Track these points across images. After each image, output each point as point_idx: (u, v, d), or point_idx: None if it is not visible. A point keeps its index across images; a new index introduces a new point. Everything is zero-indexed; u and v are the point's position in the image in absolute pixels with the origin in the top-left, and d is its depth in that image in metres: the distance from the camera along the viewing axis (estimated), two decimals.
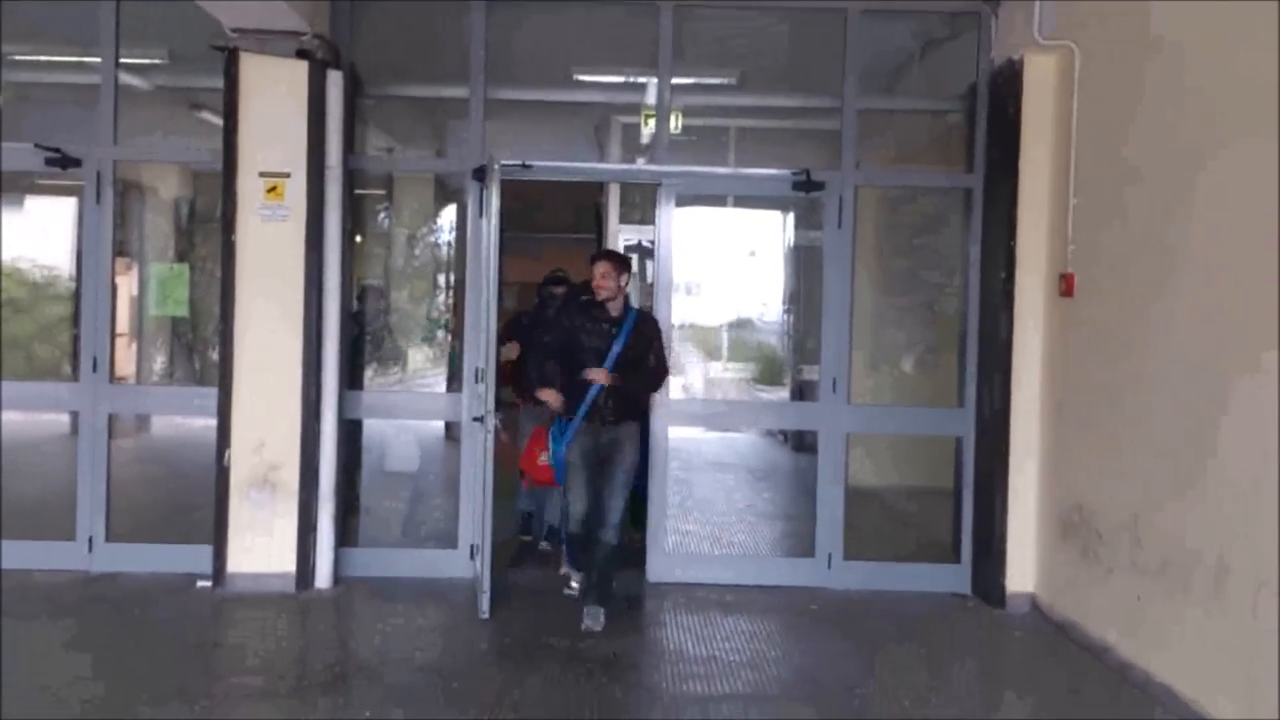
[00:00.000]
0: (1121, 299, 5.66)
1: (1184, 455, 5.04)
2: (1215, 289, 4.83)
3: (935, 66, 7.38)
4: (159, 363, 8.14)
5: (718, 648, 5.89)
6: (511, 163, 6.78)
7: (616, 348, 6.13)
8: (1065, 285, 6.26)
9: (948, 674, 5.59)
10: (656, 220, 7.15)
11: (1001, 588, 6.72)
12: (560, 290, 7.68)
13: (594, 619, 6.10)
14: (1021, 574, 6.69)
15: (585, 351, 6.15)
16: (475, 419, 6.57)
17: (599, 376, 6.08)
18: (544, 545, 7.77)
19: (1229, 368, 4.70)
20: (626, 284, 6.29)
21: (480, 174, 6.86)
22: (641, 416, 6.50)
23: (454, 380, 7.50)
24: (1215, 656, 4.74)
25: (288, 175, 6.62)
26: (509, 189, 6.57)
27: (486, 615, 6.21)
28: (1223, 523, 4.73)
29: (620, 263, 6.28)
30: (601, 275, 6.18)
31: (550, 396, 6.19)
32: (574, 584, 6.72)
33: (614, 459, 6.20)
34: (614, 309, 6.24)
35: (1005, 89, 6.75)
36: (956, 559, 7.10)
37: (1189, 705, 4.88)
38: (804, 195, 7.03)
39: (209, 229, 7.32)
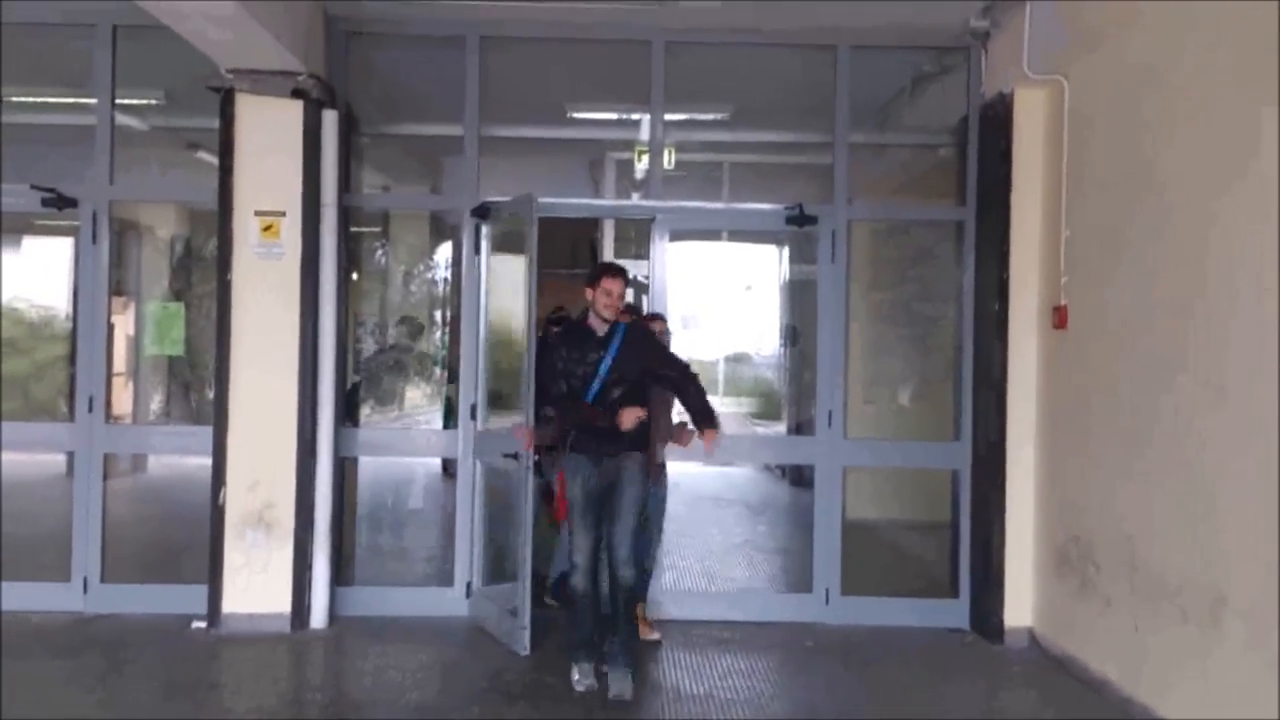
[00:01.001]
0: (1115, 331, 5.67)
1: (1180, 486, 5.03)
2: (1208, 319, 4.84)
3: (926, 101, 7.42)
4: (156, 402, 8.15)
5: (715, 685, 5.86)
6: (505, 199, 6.81)
7: (603, 368, 5.67)
8: (1058, 317, 6.27)
9: (946, 710, 5.55)
10: (651, 255, 7.18)
11: (1000, 622, 6.68)
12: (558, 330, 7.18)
13: (622, 685, 5.60)
14: (1020, 608, 6.67)
15: (573, 380, 5.73)
16: (507, 455, 6.55)
17: (628, 420, 5.59)
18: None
19: (1223, 398, 4.70)
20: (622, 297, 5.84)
21: (480, 212, 6.89)
22: (644, 447, 5.89)
23: (450, 417, 7.49)
24: (1214, 689, 4.72)
25: (283, 214, 6.65)
26: (502, 226, 6.59)
27: (527, 651, 6.20)
28: (1219, 553, 4.72)
29: (626, 276, 5.83)
30: (618, 295, 5.71)
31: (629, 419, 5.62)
32: (577, 677, 5.77)
33: (620, 491, 5.69)
34: (599, 328, 5.77)
35: (995, 123, 6.79)
36: (954, 594, 7.07)
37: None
38: (797, 229, 7.05)
39: (205, 268, 7.34)
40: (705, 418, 5.77)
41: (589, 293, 5.73)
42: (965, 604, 7.02)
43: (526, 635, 6.21)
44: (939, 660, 6.39)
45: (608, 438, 5.67)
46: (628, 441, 5.72)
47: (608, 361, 5.67)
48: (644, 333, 5.98)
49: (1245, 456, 4.53)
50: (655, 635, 6.58)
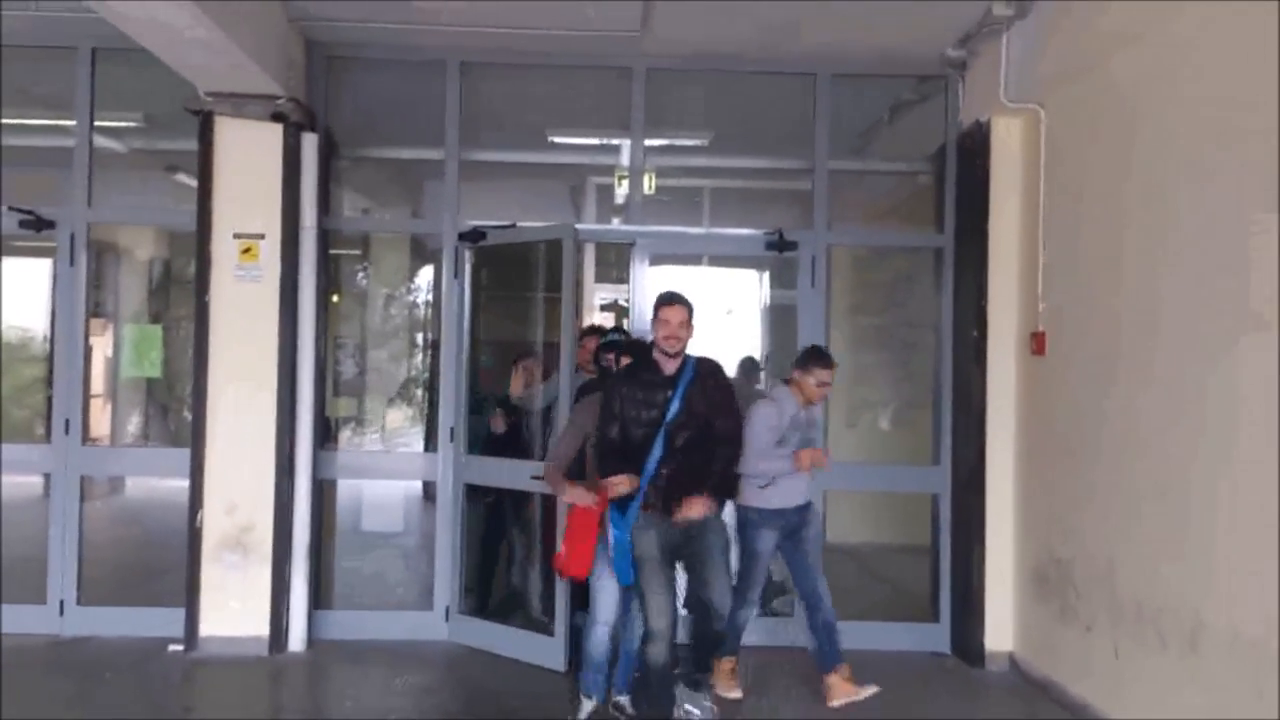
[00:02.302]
0: (1093, 356, 5.71)
1: (1158, 510, 5.05)
2: (1186, 345, 4.88)
3: (905, 128, 7.47)
4: (133, 423, 8.11)
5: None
6: (498, 224, 6.83)
7: (672, 411, 5.07)
8: (1036, 344, 6.30)
9: None
10: (631, 279, 7.20)
11: (980, 646, 6.69)
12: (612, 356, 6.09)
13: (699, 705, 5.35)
14: (1000, 632, 6.67)
15: (637, 425, 5.09)
16: (535, 478, 6.35)
17: (618, 486, 5.01)
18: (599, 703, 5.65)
19: (1199, 422, 4.74)
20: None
21: (470, 236, 6.90)
22: (724, 495, 5.38)
23: (430, 440, 7.47)
24: (1193, 712, 4.73)
25: (262, 236, 6.64)
26: (484, 249, 6.59)
27: (563, 668, 6.22)
28: (1198, 577, 4.74)
29: (692, 310, 5.21)
30: (679, 324, 5.12)
31: (620, 484, 5.01)
32: None
33: (702, 546, 5.12)
34: (671, 366, 5.17)
35: (973, 150, 6.84)
36: (935, 618, 7.08)
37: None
38: (778, 254, 7.09)
39: (183, 290, 7.32)
40: (711, 484, 5.12)
41: (653, 326, 5.19)
42: (946, 628, 7.03)
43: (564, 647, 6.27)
44: (919, 684, 6.38)
45: (679, 489, 5.06)
46: (699, 489, 5.07)
47: (676, 403, 5.07)
48: (715, 369, 5.33)
49: (1224, 481, 4.56)
50: (738, 693, 5.99)
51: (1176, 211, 4.96)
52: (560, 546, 5.54)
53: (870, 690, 5.86)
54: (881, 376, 8.77)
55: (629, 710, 5.46)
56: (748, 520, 5.84)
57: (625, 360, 5.72)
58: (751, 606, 5.95)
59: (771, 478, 5.74)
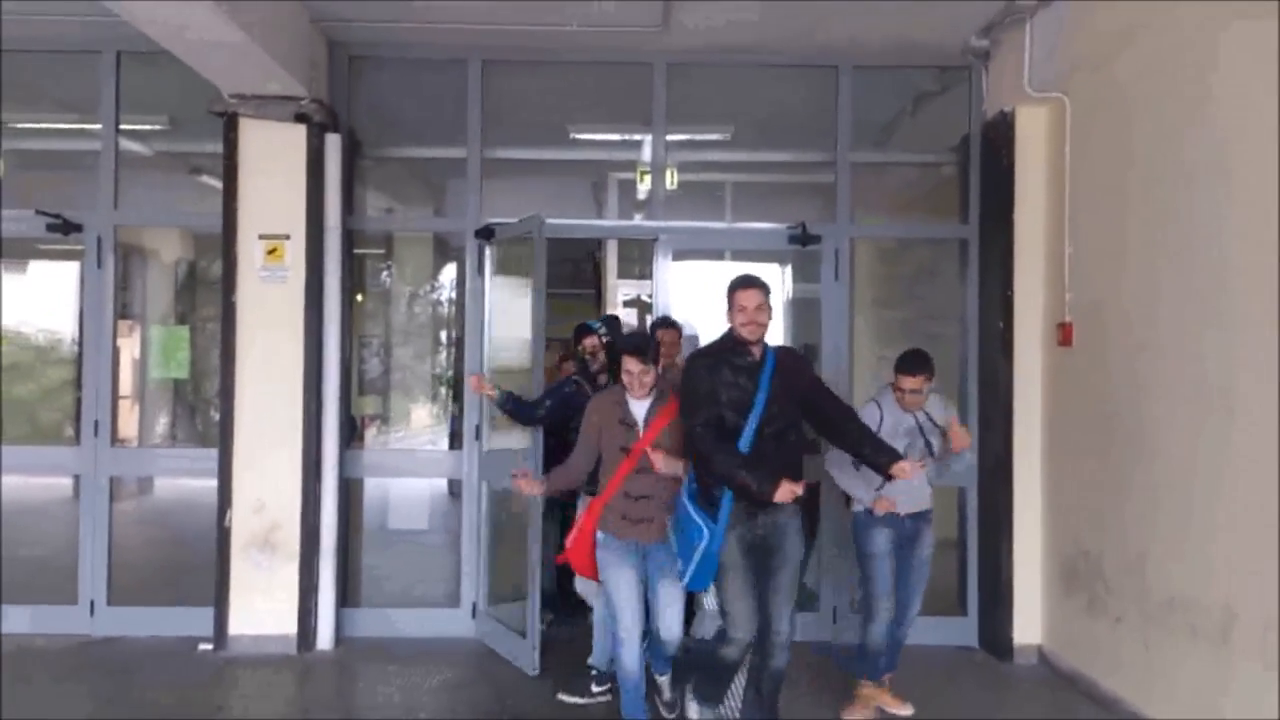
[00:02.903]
0: (1120, 347, 5.67)
1: (1187, 500, 5.02)
2: (1212, 334, 4.84)
3: (928, 119, 7.43)
4: (161, 424, 8.14)
5: (724, 707, 5.84)
6: (508, 221, 6.83)
7: (760, 398, 4.72)
8: (1063, 335, 6.26)
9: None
10: (654, 275, 7.19)
11: (1009, 640, 6.67)
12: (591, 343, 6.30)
13: None
14: (1029, 625, 6.65)
15: (726, 408, 4.74)
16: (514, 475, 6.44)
17: (784, 494, 4.59)
18: (596, 691, 5.92)
19: (1229, 412, 4.70)
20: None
21: (483, 234, 6.91)
22: (806, 502, 4.98)
23: (456, 438, 7.49)
24: (1226, 706, 4.70)
25: (287, 237, 6.68)
26: (505, 247, 6.60)
27: (537, 672, 6.20)
28: (1228, 567, 4.71)
29: (769, 292, 4.85)
30: (756, 308, 4.76)
31: (786, 493, 4.59)
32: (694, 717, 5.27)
33: (779, 552, 4.84)
34: (756, 350, 4.83)
35: (997, 141, 6.80)
36: (963, 611, 7.06)
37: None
38: (800, 248, 7.06)
39: (210, 291, 7.35)
40: (886, 454, 4.79)
41: (728, 315, 4.86)
42: (974, 621, 7.00)
43: (536, 655, 6.20)
44: (947, 678, 6.36)
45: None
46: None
47: (763, 392, 4.73)
48: (799, 358, 5.05)
49: (1253, 472, 4.53)
50: (907, 710, 5.70)
51: (1204, 201, 4.92)
52: (567, 540, 5.38)
53: (906, 710, 5.68)
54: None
55: (667, 694, 5.58)
56: (859, 523, 5.61)
57: (596, 347, 6.10)
58: (880, 622, 5.54)
59: (882, 482, 5.43)
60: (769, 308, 4.80)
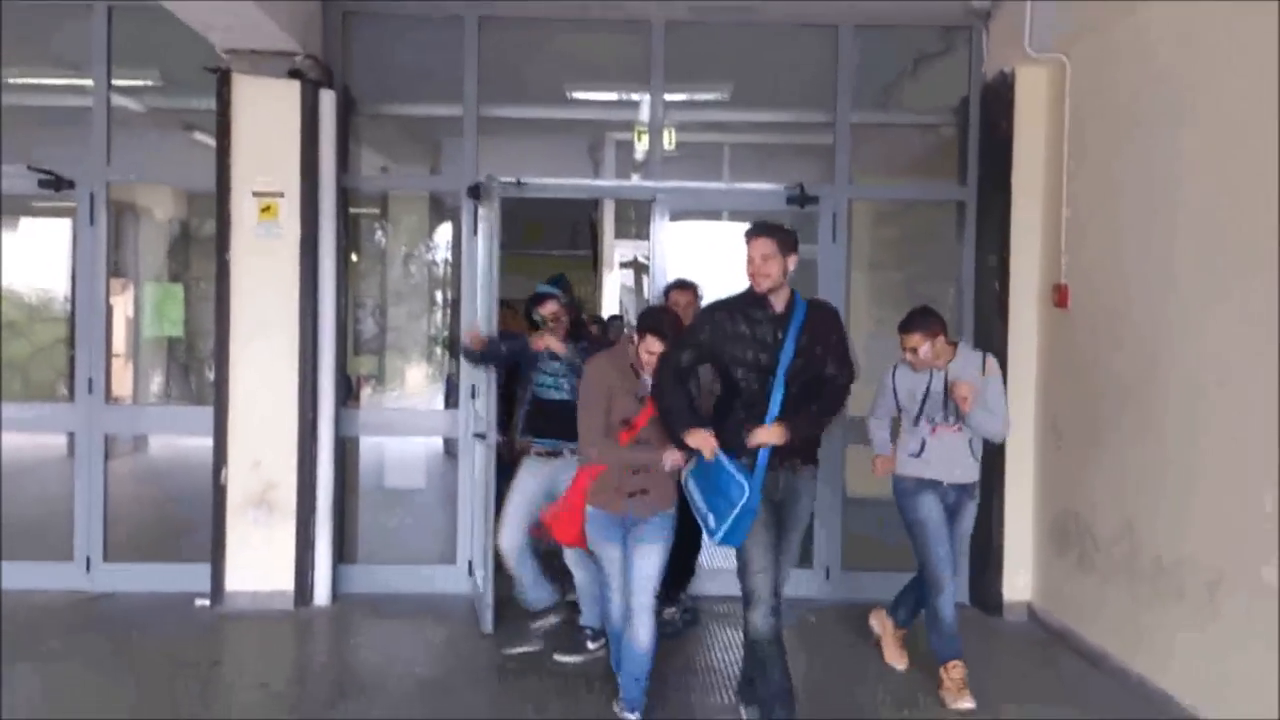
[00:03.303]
0: (1115, 310, 5.68)
1: (1177, 463, 5.06)
2: (1208, 301, 4.86)
3: (928, 80, 7.41)
4: (155, 383, 8.14)
5: (717, 659, 5.91)
6: (506, 179, 6.79)
7: (786, 354, 4.49)
8: (1059, 296, 6.28)
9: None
10: (651, 235, 7.17)
11: (999, 597, 6.74)
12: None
13: None
14: (1019, 583, 6.71)
15: (743, 367, 4.52)
16: (477, 435, 6.57)
17: (765, 437, 4.44)
18: (593, 649, 5.85)
19: (1224, 379, 4.72)
20: (792, 269, 4.59)
21: (475, 192, 6.88)
22: (817, 451, 4.83)
23: (451, 397, 7.50)
24: (1209, 662, 4.76)
25: (281, 195, 6.65)
26: (504, 206, 6.57)
27: (490, 630, 6.20)
28: (1215, 529, 4.75)
29: (786, 240, 4.55)
30: (762, 258, 4.50)
31: (702, 441, 4.47)
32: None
33: (791, 514, 4.70)
34: (778, 302, 4.57)
35: (997, 102, 6.79)
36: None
37: (1186, 710, 4.90)
38: (798, 209, 7.05)
39: (203, 249, 7.32)
40: (811, 415, 4.59)
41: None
42: (965, 579, 7.03)
43: (489, 614, 6.23)
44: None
45: (787, 448, 4.54)
46: (803, 447, 4.68)
47: (790, 345, 4.49)
48: (831, 313, 4.79)
49: (1244, 438, 4.55)
50: (969, 702, 5.21)
51: (1202, 165, 4.92)
52: (549, 510, 5.22)
53: (967, 703, 5.18)
54: None
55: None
56: (902, 490, 5.39)
57: (558, 313, 5.81)
58: (943, 592, 5.25)
59: (920, 447, 5.34)
60: (783, 260, 4.49)
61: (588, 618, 5.88)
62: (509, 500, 5.86)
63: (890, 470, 5.48)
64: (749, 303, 4.56)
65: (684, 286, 6.29)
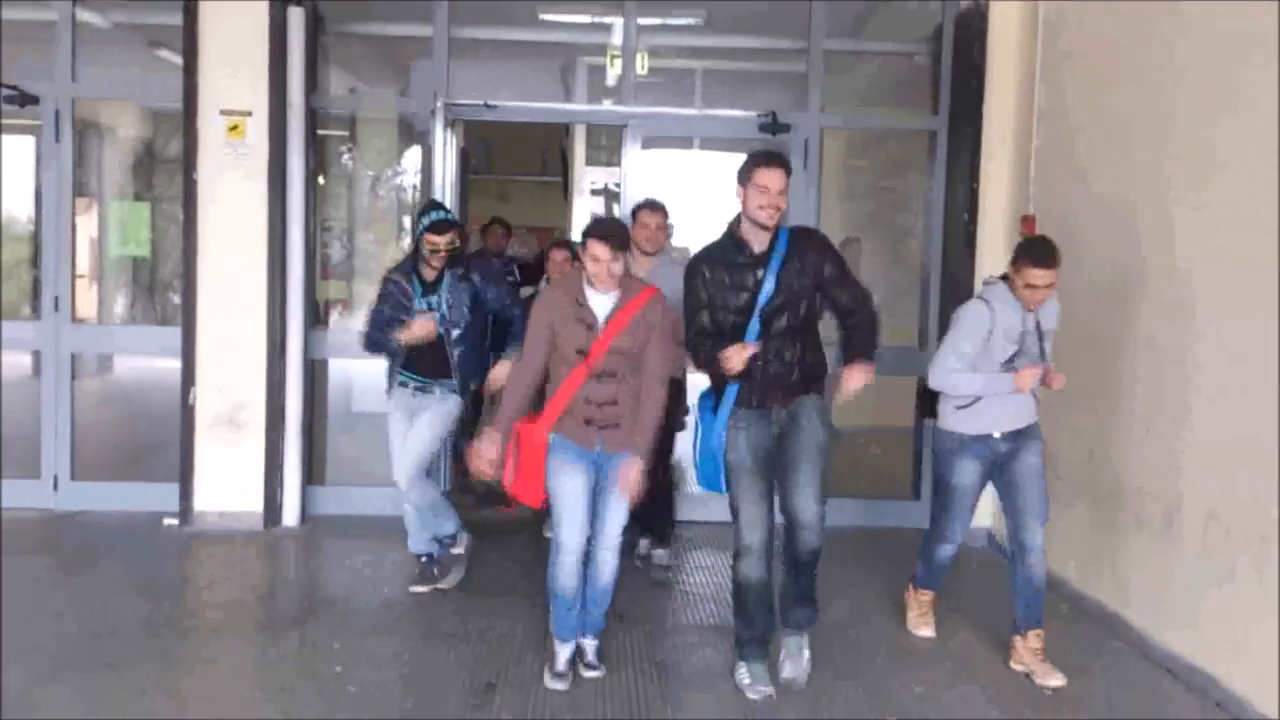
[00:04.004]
0: (1082, 241, 5.72)
1: (1137, 395, 5.14)
2: (1176, 233, 4.90)
3: (901, 9, 7.40)
4: (120, 304, 8.09)
5: (687, 580, 6.01)
6: (473, 102, 6.74)
7: (765, 292, 4.29)
8: (1026, 227, 6.32)
9: (898, 599, 5.66)
10: (622, 162, 7.15)
11: None
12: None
13: (797, 666, 4.54)
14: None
15: (726, 312, 4.34)
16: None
17: (735, 357, 4.15)
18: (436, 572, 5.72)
19: (1188, 313, 4.78)
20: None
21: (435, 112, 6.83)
22: (822, 381, 4.52)
23: None
24: (1166, 588, 4.87)
25: (249, 113, 6.57)
26: (473, 130, 6.53)
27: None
28: (1173, 460, 4.84)
29: (786, 167, 4.33)
30: (779, 191, 4.25)
31: (737, 353, 4.16)
32: (748, 681, 4.53)
33: (795, 442, 4.39)
34: (759, 241, 4.35)
35: (970, 32, 6.78)
36: (915, 496, 7.22)
37: (1140, 633, 5.02)
38: (770, 137, 7.04)
39: (169, 168, 7.25)
40: (862, 347, 4.39)
41: (740, 193, 4.35)
42: (925, 505, 7.14)
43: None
44: (899, 557, 6.47)
45: (777, 383, 4.37)
46: (800, 382, 4.42)
47: (770, 282, 4.29)
48: (818, 240, 4.58)
49: (1206, 371, 4.63)
50: (928, 630, 5.25)
51: (1170, 97, 4.95)
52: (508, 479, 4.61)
53: (1056, 680, 4.63)
54: (871, 261, 8.78)
55: (589, 655, 4.68)
56: (942, 447, 4.92)
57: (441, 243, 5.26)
58: (948, 544, 5.04)
59: (972, 398, 4.73)
60: (784, 187, 4.27)
61: (415, 544, 5.65)
62: (391, 439, 5.61)
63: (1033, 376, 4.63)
64: (729, 247, 4.38)
65: (654, 207, 5.99)
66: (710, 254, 4.44)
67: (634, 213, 6.04)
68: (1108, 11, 5.54)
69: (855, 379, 4.24)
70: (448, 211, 5.59)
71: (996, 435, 4.76)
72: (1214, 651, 4.50)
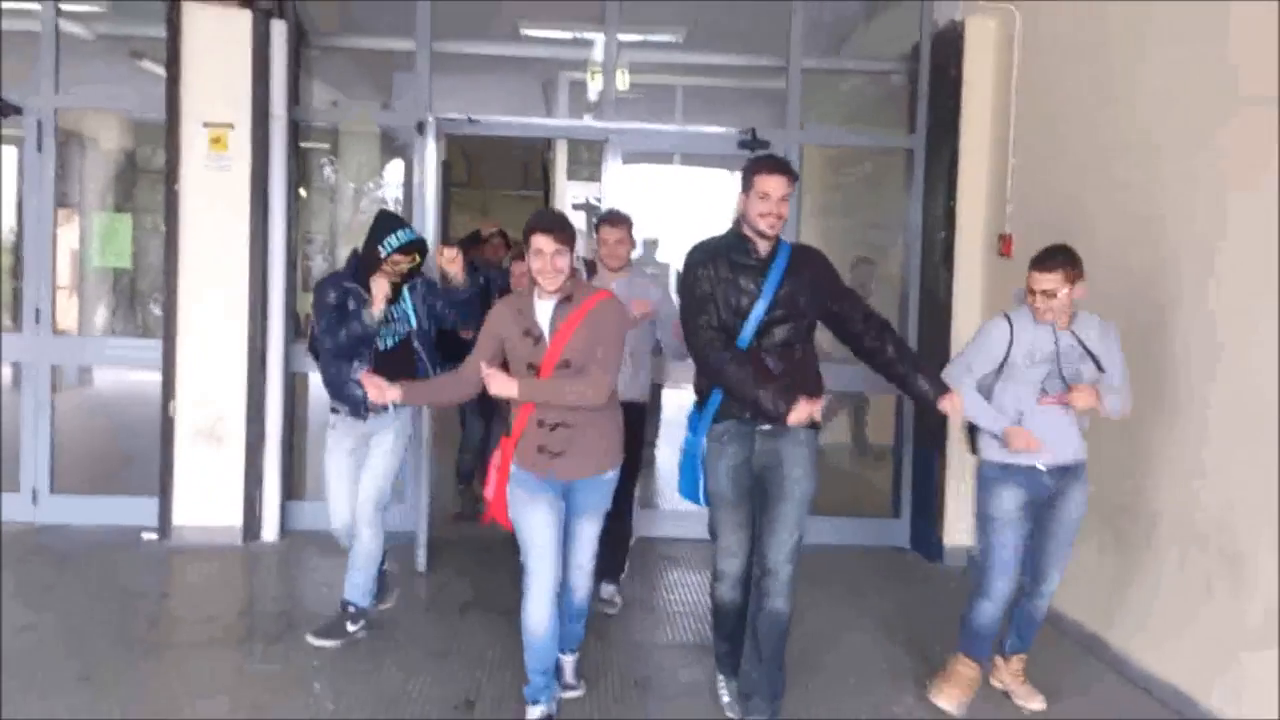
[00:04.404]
0: None
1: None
2: (1144, 252, 4.96)
3: (879, 28, 7.45)
4: (100, 316, 8.06)
5: (662, 598, 6.03)
6: (456, 117, 6.77)
7: (762, 302, 4.06)
8: (1003, 245, 6.38)
9: (879, 620, 5.70)
10: (603, 177, 7.18)
11: (939, 541, 6.89)
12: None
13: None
14: (959, 528, 6.83)
15: (729, 313, 4.09)
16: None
17: (802, 411, 3.92)
18: (351, 628, 5.20)
19: (1161, 332, 4.83)
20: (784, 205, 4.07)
21: (422, 127, 6.84)
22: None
23: None
24: (1143, 607, 4.91)
25: (231, 126, 6.58)
26: (454, 145, 6.55)
27: (424, 569, 6.27)
28: (1152, 476, 4.88)
29: (794, 182, 4.11)
30: (781, 199, 4.02)
31: (805, 411, 3.94)
32: (727, 699, 4.52)
33: (778, 480, 4.13)
34: (765, 246, 4.13)
35: (947, 50, 6.83)
36: (896, 514, 7.26)
37: (1117, 654, 5.05)
38: (750, 153, 7.08)
39: (151, 180, 7.25)
40: (932, 381, 4.18)
41: (741, 200, 4.14)
42: (906, 524, 7.21)
43: (423, 553, 6.32)
44: (879, 576, 6.57)
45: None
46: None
47: (769, 293, 4.06)
48: (819, 258, 4.29)
49: (1183, 387, 4.67)
50: (1038, 704, 4.66)
51: (1147, 118, 5.01)
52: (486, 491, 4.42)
53: (1037, 704, 4.63)
54: (849, 279, 8.83)
55: (569, 675, 4.61)
56: (984, 477, 4.49)
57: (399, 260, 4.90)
58: (988, 600, 4.45)
59: (1015, 422, 4.34)
60: (788, 192, 4.05)
61: (351, 593, 5.21)
62: (329, 476, 5.20)
63: (1030, 442, 4.30)
64: (734, 246, 4.13)
65: (613, 221, 5.63)
66: (715, 247, 4.18)
67: (596, 226, 5.80)
68: (1085, 30, 5.59)
69: (804, 411, 3.93)
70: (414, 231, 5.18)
71: (1041, 468, 4.36)
72: (1192, 671, 4.54)
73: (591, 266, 5.61)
